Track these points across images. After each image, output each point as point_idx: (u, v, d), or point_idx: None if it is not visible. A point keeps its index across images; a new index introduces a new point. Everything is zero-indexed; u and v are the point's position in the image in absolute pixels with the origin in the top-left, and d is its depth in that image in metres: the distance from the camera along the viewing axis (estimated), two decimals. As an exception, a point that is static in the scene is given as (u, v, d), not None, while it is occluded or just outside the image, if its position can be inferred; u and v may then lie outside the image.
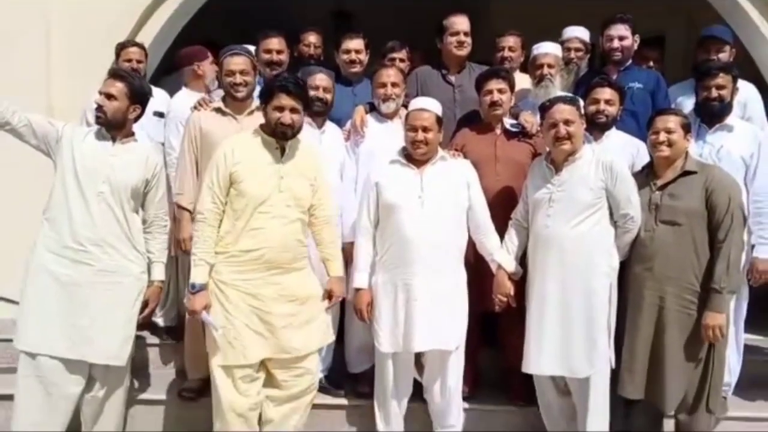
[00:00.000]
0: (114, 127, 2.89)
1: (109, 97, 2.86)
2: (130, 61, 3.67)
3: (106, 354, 2.85)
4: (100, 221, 2.82)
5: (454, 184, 3.04)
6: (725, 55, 3.58)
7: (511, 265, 3.07)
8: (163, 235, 3.06)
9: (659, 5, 4.78)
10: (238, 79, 3.18)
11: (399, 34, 4.04)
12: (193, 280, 2.77)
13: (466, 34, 3.71)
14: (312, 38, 4.18)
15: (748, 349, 3.60)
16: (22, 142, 2.89)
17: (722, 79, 3.26)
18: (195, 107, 3.30)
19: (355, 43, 3.81)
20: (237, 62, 3.21)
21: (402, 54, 4.01)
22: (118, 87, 2.86)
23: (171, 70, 4.13)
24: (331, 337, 3.09)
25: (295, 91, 2.78)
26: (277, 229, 2.77)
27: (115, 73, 2.94)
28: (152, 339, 3.79)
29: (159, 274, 3.02)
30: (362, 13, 7.48)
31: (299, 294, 2.86)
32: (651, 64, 4.12)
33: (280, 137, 2.82)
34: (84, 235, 2.80)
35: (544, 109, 2.97)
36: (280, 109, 2.77)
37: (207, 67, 3.71)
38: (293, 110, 2.78)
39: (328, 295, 2.95)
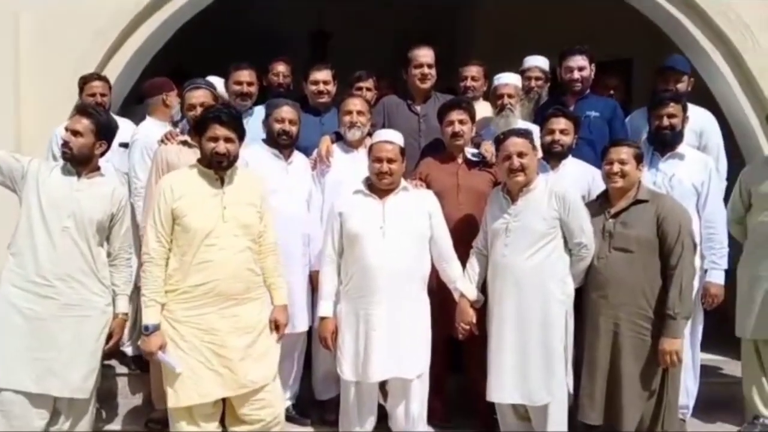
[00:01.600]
0: (80, 162, 2.93)
1: (75, 133, 2.89)
2: (93, 95, 3.70)
3: (69, 387, 2.86)
4: (65, 256, 2.85)
5: (415, 214, 3.09)
6: (683, 85, 3.69)
7: (472, 293, 3.13)
8: (128, 267, 3.09)
9: (626, 29, 4.91)
10: (199, 111, 3.24)
11: (378, 54, 4.15)
12: (145, 321, 2.77)
13: (429, 66, 3.78)
14: (281, 68, 4.25)
15: (706, 371, 3.71)
16: None
17: (673, 108, 3.38)
18: (162, 141, 3.34)
19: (323, 74, 3.89)
20: (197, 95, 3.29)
21: (369, 83, 4.09)
22: (84, 123, 2.90)
23: (140, 99, 4.18)
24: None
25: (228, 121, 2.81)
26: (226, 259, 2.78)
27: (81, 110, 2.98)
28: (121, 369, 3.80)
29: (123, 306, 3.05)
30: (341, 33, 7.63)
31: (255, 325, 2.87)
32: (611, 92, 4.23)
33: (216, 167, 2.82)
34: (49, 270, 2.83)
35: (499, 141, 3.06)
36: (215, 139, 2.79)
37: (173, 97, 3.77)
38: (227, 140, 2.80)
39: (275, 324, 2.96)
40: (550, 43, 4.12)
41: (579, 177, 3.35)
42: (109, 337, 2.99)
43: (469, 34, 7.02)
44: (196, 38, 6.07)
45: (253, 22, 7.23)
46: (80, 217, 2.87)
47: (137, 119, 3.92)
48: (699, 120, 3.55)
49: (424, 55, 3.78)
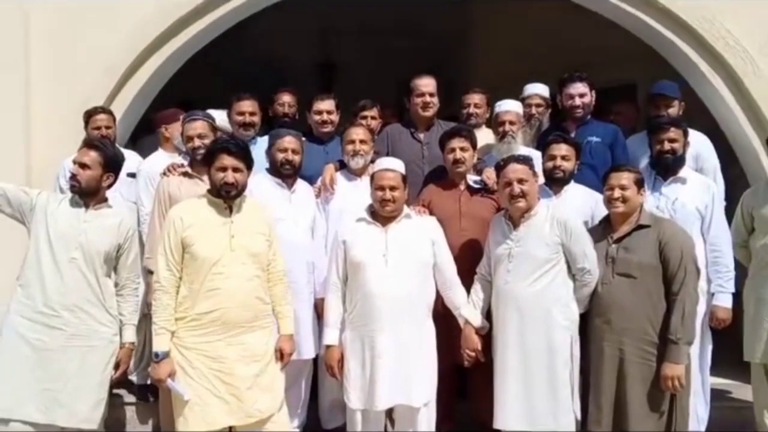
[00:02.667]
0: (88, 194, 2.99)
1: (83, 166, 2.96)
2: (99, 128, 3.77)
3: (77, 418, 2.89)
4: (73, 287, 2.89)
5: (418, 242, 3.11)
6: (674, 110, 3.73)
7: (477, 319, 3.14)
8: (135, 297, 3.13)
9: (630, 55, 4.97)
10: (197, 143, 3.33)
11: (382, 83, 4.22)
12: (155, 348, 2.81)
13: (431, 95, 3.83)
14: (286, 98, 4.31)
15: (717, 395, 3.67)
16: None
17: (674, 132, 3.41)
18: (164, 173, 3.41)
19: (326, 104, 3.96)
20: (194, 127, 3.40)
21: (373, 112, 4.16)
22: (91, 156, 2.97)
23: (152, 130, 4.27)
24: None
25: (236, 151, 2.87)
26: (234, 288, 2.81)
27: (89, 143, 3.06)
28: (129, 398, 3.82)
29: (130, 336, 3.08)
30: (346, 63, 7.76)
31: (263, 354, 2.89)
32: (612, 117, 4.26)
33: (224, 197, 2.87)
34: (57, 301, 2.87)
35: (499, 168, 3.09)
36: (223, 169, 2.84)
37: (176, 129, 3.83)
38: (235, 170, 2.85)
39: (280, 353, 2.97)
40: (551, 69, 4.18)
41: (581, 202, 3.37)
42: (116, 366, 3.02)
43: (471, 62, 7.11)
44: (204, 69, 6.21)
45: (261, 54, 7.39)
46: (88, 249, 2.92)
47: (148, 150, 4.00)
48: (695, 143, 3.57)
49: (426, 84, 3.83)
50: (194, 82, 5.21)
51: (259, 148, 3.75)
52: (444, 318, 3.21)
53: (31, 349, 2.85)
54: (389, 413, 3.16)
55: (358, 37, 7.07)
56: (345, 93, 4.43)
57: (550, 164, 3.36)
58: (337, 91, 7.59)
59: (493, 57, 6.49)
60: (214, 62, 6.59)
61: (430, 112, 3.86)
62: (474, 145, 3.48)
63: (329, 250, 3.34)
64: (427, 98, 3.83)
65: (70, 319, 2.88)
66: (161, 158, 3.74)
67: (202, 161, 3.17)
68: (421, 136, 3.89)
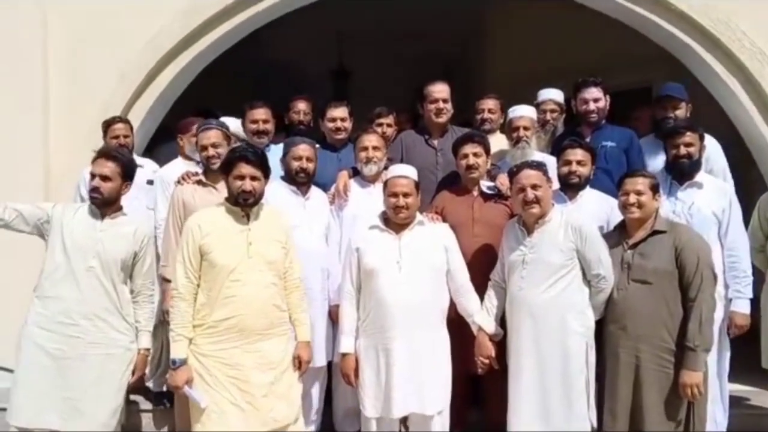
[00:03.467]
0: (107, 204, 3.03)
1: (105, 178, 2.99)
2: (117, 137, 3.83)
3: (96, 423, 2.92)
4: (91, 295, 2.93)
5: (431, 248, 3.11)
6: (681, 112, 3.71)
7: (491, 326, 3.13)
8: (150, 304, 3.16)
9: (645, 58, 4.94)
10: (211, 152, 3.35)
11: (398, 90, 4.23)
12: (173, 355, 2.83)
13: (444, 101, 3.83)
14: (301, 105, 4.33)
15: (735, 402, 3.62)
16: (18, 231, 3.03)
17: (689, 137, 3.37)
18: (178, 181, 3.45)
19: (340, 111, 3.98)
20: (208, 136, 3.42)
21: (389, 119, 4.18)
22: (111, 167, 3.00)
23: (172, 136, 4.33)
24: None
25: (254, 160, 2.89)
26: (251, 295, 2.83)
27: (106, 154, 3.08)
28: (145, 405, 3.84)
29: (146, 342, 3.11)
30: (361, 69, 7.79)
31: (279, 361, 2.90)
32: (632, 123, 4.22)
33: (242, 205, 2.89)
34: (75, 310, 2.91)
35: (512, 174, 3.08)
36: (241, 177, 2.87)
37: (188, 139, 3.88)
38: (253, 178, 2.87)
39: (298, 361, 2.98)
40: (566, 73, 4.16)
41: (597, 208, 3.35)
42: (132, 372, 3.05)
43: (485, 66, 7.10)
44: (221, 76, 6.27)
45: (277, 61, 7.44)
46: (105, 257, 2.95)
47: (165, 158, 4.05)
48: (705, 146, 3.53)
49: (439, 90, 3.83)
50: (211, 90, 5.26)
51: (273, 155, 3.76)
52: (457, 325, 3.20)
53: (50, 359, 2.89)
54: (403, 420, 3.15)
55: (373, 43, 7.09)
56: (360, 99, 4.45)
57: (565, 169, 3.34)
58: (351, 97, 7.67)
59: (507, 61, 6.48)
60: (230, 69, 6.67)
61: (443, 119, 3.86)
62: (487, 151, 3.48)
63: (343, 257, 3.35)
64: (441, 104, 3.83)
65: (88, 327, 2.91)
66: (178, 166, 3.78)
67: (219, 169, 3.20)
68: (435, 142, 3.89)
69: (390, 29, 6.66)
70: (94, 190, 3.01)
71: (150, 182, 3.81)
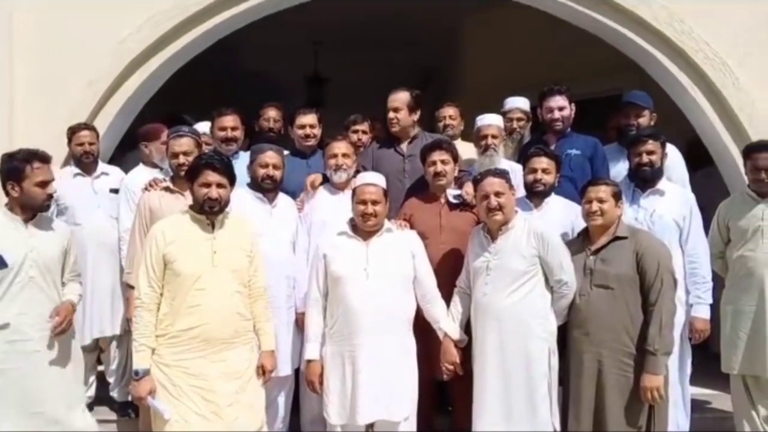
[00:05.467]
0: (33, 209, 3.00)
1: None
2: (82, 144, 3.79)
3: (75, 427, 2.95)
4: (35, 304, 2.91)
5: (399, 255, 3.12)
6: (644, 120, 3.77)
7: (456, 332, 3.15)
8: (77, 284, 3.17)
9: (611, 63, 5.02)
10: (182, 159, 3.33)
11: (374, 97, 4.23)
12: (135, 366, 2.79)
13: (395, 110, 3.77)
14: (272, 113, 4.31)
15: (697, 406, 3.68)
16: None
17: (651, 145, 3.44)
18: (145, 188, 3.42)
19: (309, 118, 3.98)
20: (180, 144, 3.39)
21: (364, 126, 4.19)
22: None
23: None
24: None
25: (220, 167, 2.88)
26: (215, 304, 2.81)
27: (44, 158, 3.02)
28: (110, 415, 3.80)
29: (71, 295, 3.10)
30: (337, 76, 7.81)
31: (244, 370, 2.89)
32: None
33: (207, 213, 2.88)
34: (25, 323, 2.88)
35: (476, 181, 3.11)
36: (207, 185, 2.85)
37: (155, 147, 3.85)
38: (219, 185, 2.86)
39: (262, 369, 2.97)
40: (541, 81, 4.20)
41: (562, 214, 3.39)
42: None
43: (461, 76, 7.17)
44: (193, 83, 6.24)
45: (251, 68, 7.45)
46: (42, 262, 2.94)
47: (132, 165, 4.01)
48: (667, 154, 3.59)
49: (393, 100, 3.79)
50: (184, 97, 5.24)
51: (242, 162, 3.77)
52: (424, 331, 3.21)
53: (8, 382, 2.85)
54: (369, 427, 3.15)
55: (349, 50, 7.12)
56: (336, 106, 4.45)
57: (530, 177, 3.38)
58: (328, 104, 7.68)
59: (483, 70, 6.55)
60: (206, 78, 6.66)
61: (395, 128, 3.81)
62: (455, 158, 3.49)
63: (310, 265, 3.35)
64: (391, 114, 3.79)
65: (37, 337, 2.89)
66: (142, 174, 3.75)
67: (184, 176, 3.19)
68: (404, 149, 3.89)
69: (367, 37, 6.69)
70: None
71: (114, 191, 3.78)
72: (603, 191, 3.05)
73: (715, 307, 3.52)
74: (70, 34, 4.17)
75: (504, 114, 4.05)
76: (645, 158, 3.44)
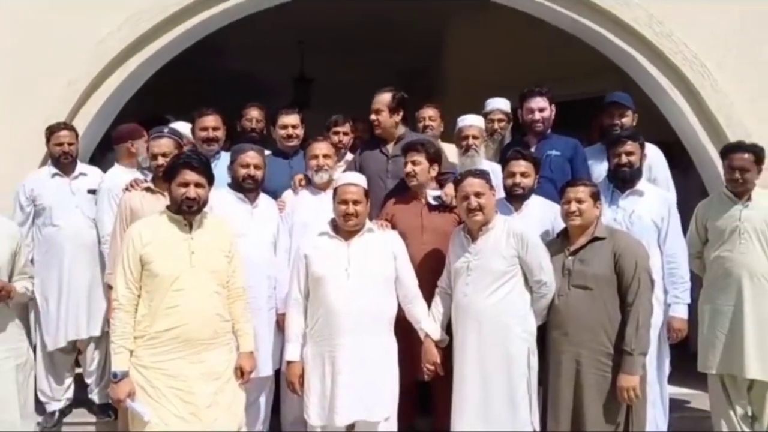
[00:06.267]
0: None
1: None
2: (60, 144, 3.75)
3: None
4: None
5: (380, 256, 3.12)
6: (627, 120, 3.80)
7: (437, 333, 3.15)
8: (26, 280, 3.18)
9: (594, 66, 5.05)
10: (161, 160, 3.31)
11: (360, 97, 4.23)
12: (114, 368, 2.77)
13: (377, 112, 3.75)
14: (254, 113, 4.29)
15: (676, 405, 3.71)
16: None
17: (630, 146, 3.46)
18: (126, 188, 3.39)
19: (291, 119, 3.97)
20: (159, 144, 3.37)
21: (345, 127, 4.17)
22: None
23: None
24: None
25: (198, 167, 2.86)
26: (194, 304, 2.79)
27: None
28: (89, 417, 3.76)
29: (20, 287, 3.15)
30: (323, 77, 7.80)
31: (223, 371, 2.87)
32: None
33: (186, 212, 2.86)
34: None
35: (457, 182, 3.12)
36: (185, 184, 2.83)
37: (141, 145, 3.82)
38: (197, 185, 2.85)
39: (240, 371, 2.95)
40: (525, 83, 4.20)
41: (543, 215, 3.40)
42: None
43: (447, 77, 7.19)
44: (179, 83, 6.20)
45: (237, 68, 7.42)
46: None
47: (110, 166, 3.97)
48: (647, 155, 3.62)
49: (375, 102, 3.77)
50: (170, 97, 5.19)
51: (223, 163, 3.75)
52: (405, 332, 3.21)
53: None
54: (350, 429, 3.15)
55: (335, 51, 7.12)
56: (322, 107, 4.44)
57: (509, 181, 3.38)
58: (313, 105, 7.67)
59: (467, 71, 6.57)
60: (190, 77, 6.62)
61: (377, 130, 3.79)
62: (431, 159, 3.45)
63: (291, 265, 3.34)
64: (372, 116, 3.78)
65: None
66: (120, 174, 3.72)
67: (162, 176, 3.17)
68: (389, 149, 3.88)
69: (352, 38, 6.69)
70: None
71: (91, 191, 3.74)
72: (581, 192, 3.07)
73: (693, 307, 3.55)
74: (49, 33, 4.13)
75: (485, 115, 4.06)
76: (624, 159, 3.46)
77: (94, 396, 3.77)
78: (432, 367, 3.13)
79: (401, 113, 3.82)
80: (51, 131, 3.79)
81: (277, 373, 3.47)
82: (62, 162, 3.79)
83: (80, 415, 3.77)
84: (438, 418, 3.39)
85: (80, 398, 3.86)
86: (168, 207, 2.93)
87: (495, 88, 4.34)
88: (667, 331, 3.45)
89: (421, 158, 3.42)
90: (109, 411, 3.73)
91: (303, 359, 3.08)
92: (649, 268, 3.01)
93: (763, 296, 3.39)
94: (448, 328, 3.18)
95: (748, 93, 4.18)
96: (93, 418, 3.76)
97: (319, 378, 3.02)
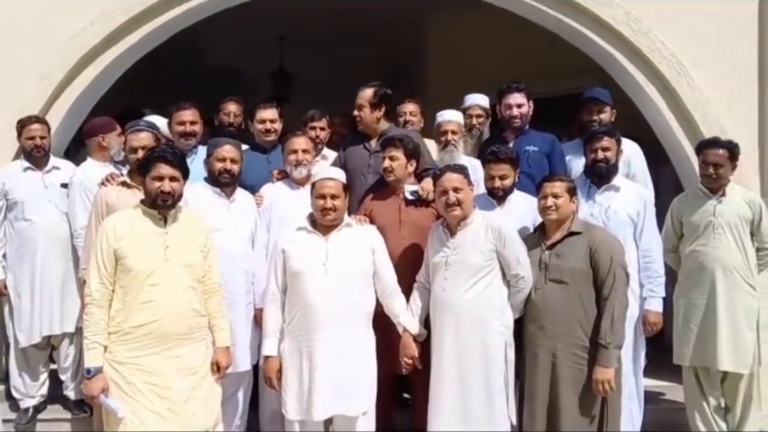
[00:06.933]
0: None
1: None
2: (32, 138, 3.71)
3: None
4: None
5: (359, 250, 3.11)
6: (606, 116, 3.82)
7: (415, 327, 3.16)
8: None
9: (574, 64, 5.08)
10: (140, 154, 3.27)
11: (341, 93, 4.24)
12: (87, 364, 2.74)
13: (359, 107, 3.74)
14: (232, 107, 4.27)
15: (651, 397, 3.75)
16: None
17: (607, 141, 3.49)
18: (102, 183, 3.35)
19: (269, 113, 3.94)
20: (139, 138, 3.33)
21: (322, 123, 4.15)
22: None
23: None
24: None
25: (173, 160, 2.84)
26: (168, 300, 2.77)
27: None
28: (64, 414, 3.72)
29: None
30: (304, 71, 7.77)
31: (199, 366, 2.86)
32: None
33: (160, 206, 2.84)
34: None
35: (435, 177, 3.12)
36: (159, 178, 2.81)
37: (113, 139, 3.77)
38: (172, 179, 2.82)
39: (216, 366, 2.94)
40: (507, 79, 4.22)
41: (526, 209, 3.39)
42: None
43: (429, 74, 7.18)
44: (159, 78, 6.14)
45: (216, 62, 7.36)
46: None
47: (85, 160, 3.92)
48: (625, 150, 3.66)
49: (358, 97, 3.76)
50: (150, 92, 5.12)
51: (200, 157, 3.71)
52: (384, 326, 3.21)
53: None
54: (328, 422, 3.15)
55: (315, 46, 7.09)
56: (302, 102, 4.42)
57: (489, 184, 3.38)
58: (293, 99, 7.63)
59: (450, 68, 6.56)
60: (170, 72, 6.55)
61: (360, 126, 3.79)
62: (409, 154, 3.43)
63: (269, 260, 3.32)
64: (355, 112, 3.77)
65: None
66: (94, 168, 3.67)
67: (137, 170, 3.13)
68: (372, 144, 3.86)
69: (333, 33, 6.67)
70: None
71: (64, 185, 3.70)
72: (558, 187, 3.09)
73: (668, 301, 3.60)
74: (22, 26, 4.07)
75: (464, 110, 4.07)
76: (600, 155, 3.49)
77: (70, 392, 3.72)
78: (410, 361, 3.13)
79: (383, 109, 3.80)
80: (22, 125, 3.74)
81: (255, 368, 3.46)
82: (34, 156, 3.74)
83: (55, 411, 3.73)
84: (416, 412, 3.40)
85: (55, 395, 3.82)
86: (142, 201, 2.90)
87: (477, 84, 4.36)
88: (642, 325, 3.48)
89: (398, 153, 3.41)
90: (85, 407, 3.70)
91: (280, 354, 3.07)
92: (625, 262, 3.05)
93: (736, 290, 3.45)
94: (426, 322, 3.19)
95: (723, 91, 4.22)
96: (68, 415, 3.72)
97: (297, 373, 3.02)
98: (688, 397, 3.58)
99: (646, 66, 4.29)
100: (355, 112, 3.77)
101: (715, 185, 3.53)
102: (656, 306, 3.47)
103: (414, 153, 3.48)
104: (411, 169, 3.47)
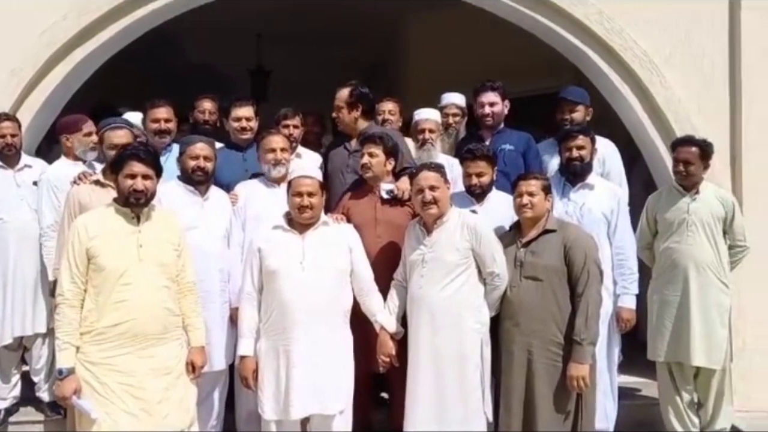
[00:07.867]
0: None
1: None
2: (3, 136, 3.64)
3: None
4: None
5: (335, 249, 3.10)
6: (579, 115, 3.86)
7: (392, 325, 3.16)
8: None
9: (551, 62, 5.11)
10: None
11: (321, 91, 4.23)
12: (59, 365, 2.71)
13: (338, 109, 3.75)
14: (207, 105, 4.26)
15: (625, 393, 3.80)
16: None
17: (581, 140, 3.53)
18: (74, 182, 3.31)
19: (245, 111, 3.91)
20: (118, 135, 3.29)
21: (295, 121, 4.12)
22: None
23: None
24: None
25: (146, 158, 2.81)
26: (142, 299, 2.74)
27: None
28: (37, 416, 3.66)
29: None
30: (281, 69, 7.73)
31: (173, 366, 2.83)
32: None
33: (133, 205, 2.81)
34: None
35: (412, 175, 3.13)
36: (132, 176, 2.78)
37: (77, 140, 3.71)
38: (145, 177, 2.79)
39: (191, 366, 2.92)
40: (480, 79, 4.23)
41: (505, 208, 3.39)
42: None
43: (407, 72, 7.19)
44: (137, 75, 6.06)
45: (194, 60, 7.30)
46: None
47: (57, 158, 3.86)
48: (601, 149, 3.71)
49: (336, 98, 3.77)
50: (126, 89, 5.05)
51: (175, 155, 3.67)
52: (362, 324, 3.21)
53: None
54: (305, 421, 3.14)
55: (293, 44, 7.06)
56: (280, 100, 4.39)
57: (466, 182, 3.40)
58: (271, 97, 7.59)
59: (428, 67, 6.57)
60: (148, 69, 6.48)
61: (339, 126, 3.80)
62: (388, 152, 3.43)
63: (244, 259, 3.30)
64: (334, 113, 3.77)
65: None
66: (65, 167, 3.62)
67: (109, 168, 3.09)
68: (352, 144, 3.84)
69: (311, 31, 6.64)
70: None
71: (36, 184, 3.63)
72: (533, 185, 3.11)
73: (642, 297, 3.64)
74: (-9, 20, 3.99)
75: (440, 109, 4.09)
76: (575, 153, 3.53)
77: (43, 394, 3.67)
78: (387, 359, 3.14)
79: (360, 108, 3.80)
80: None
81: (231, 367, 3.44)
82: (5, 154, 3.68)
83: (27, 413, 3.67)
84: (394, 411, 3.40)
85: (27, 397, 3.76)
86: (115, 199, 2.86)
87: (454, 83, 4.36)
88: (616, 321, 3.53)
89: (377, 150, 3.40)
90: (59, 409, 3.64)
91: (257, 354, 3.05)
92: (599, 259, 3.08)
93: (709, 287, 3.51)
94: (404, 320, 3.19)
95: (694, 89, 4.27)
96: (40, 417, 3.66)
97: (274, 372, 3.00)
98: (661, 392, 3.63)
99: (619, 65, 4.33)
100: (334, 114, 3.76)
101: (686, 182, 3.59)
102: (629, 303, 3.51)
103: (393, 151, 3.48)
104: (389, 167, 3.47)
